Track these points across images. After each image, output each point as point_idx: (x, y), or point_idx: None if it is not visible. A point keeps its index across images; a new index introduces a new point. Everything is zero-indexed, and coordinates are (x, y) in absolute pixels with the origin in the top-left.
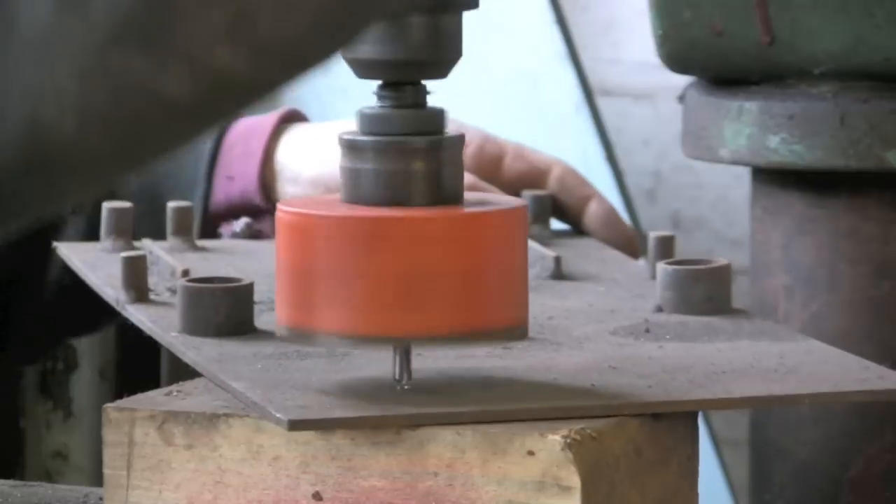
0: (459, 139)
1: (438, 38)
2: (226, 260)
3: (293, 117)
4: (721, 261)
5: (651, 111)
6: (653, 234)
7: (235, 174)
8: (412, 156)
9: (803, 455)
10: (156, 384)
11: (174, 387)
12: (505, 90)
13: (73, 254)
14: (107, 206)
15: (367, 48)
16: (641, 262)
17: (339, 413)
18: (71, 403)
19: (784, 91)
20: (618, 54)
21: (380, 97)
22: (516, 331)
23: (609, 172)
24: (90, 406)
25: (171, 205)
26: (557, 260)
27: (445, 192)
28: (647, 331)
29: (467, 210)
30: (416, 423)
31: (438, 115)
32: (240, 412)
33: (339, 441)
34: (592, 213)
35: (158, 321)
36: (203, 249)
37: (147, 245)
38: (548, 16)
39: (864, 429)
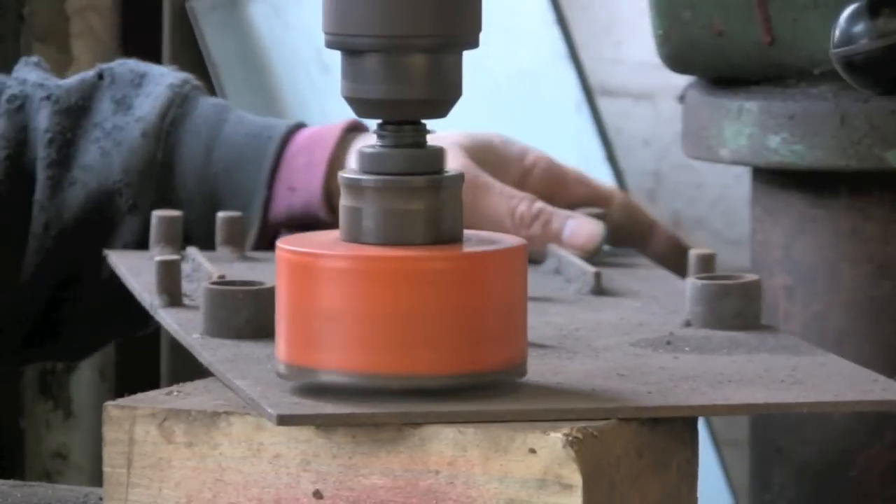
0: (459, 178)
1: (439, 77)
2: (272, 269)
3: (357, 127)
4: (750, 276)
5: (651, 111)
6: (693, 252)
7: (298, 186)
8: (412, 195)
9: (803, 455)
10: (156, 384)
11: (174, 387)
12: (505, 90)
13: (120, 261)
14: (157, 214)
15: (368, 88)
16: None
17: (330, 409)
18: (71, 403)
19: (784, 91)
20: (618, 54)
21: (380, 136)
22: (515, 370)
23: (609, 172)
24: (90, 406)
25: (221, 215)
26: (597, 276)
27: (445, 231)
28: (669, 343)
29: (466, 249)
30: (408, 421)
31: (438, 154)
32: (240, 410)
33: (340, 439)
34: (658, 240)
35: (185, 324)
36: (252, 259)
37: (192, 253)
38: (548, 15)
39: (864, 429)
